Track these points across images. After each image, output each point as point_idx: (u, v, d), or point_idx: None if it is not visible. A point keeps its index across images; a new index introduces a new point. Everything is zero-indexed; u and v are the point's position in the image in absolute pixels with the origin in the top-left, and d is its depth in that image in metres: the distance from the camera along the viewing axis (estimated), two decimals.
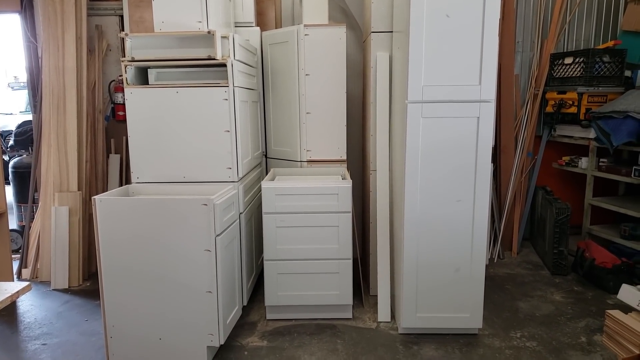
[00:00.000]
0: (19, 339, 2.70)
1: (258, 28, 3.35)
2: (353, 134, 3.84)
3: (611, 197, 3.94)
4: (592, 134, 3.64)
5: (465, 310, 2.59)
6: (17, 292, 1.55)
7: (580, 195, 3.99)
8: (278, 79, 3.30)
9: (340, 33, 3.07)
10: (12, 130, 4.41)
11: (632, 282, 2.88)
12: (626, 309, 2.52)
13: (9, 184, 4.09)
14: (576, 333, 2.69)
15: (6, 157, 4.56)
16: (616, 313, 2.49)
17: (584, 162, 3.84)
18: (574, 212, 3.71)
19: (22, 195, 3.93)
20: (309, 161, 3.21)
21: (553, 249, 3.53)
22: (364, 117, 3.43)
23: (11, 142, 4.32)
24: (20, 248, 3.83)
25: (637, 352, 2.29)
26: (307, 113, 3.15)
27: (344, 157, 3.22)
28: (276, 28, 3.64)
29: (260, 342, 2.61)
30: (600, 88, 3.68)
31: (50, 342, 2.65)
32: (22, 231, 3.79)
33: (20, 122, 4.42)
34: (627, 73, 3.76)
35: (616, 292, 2.65)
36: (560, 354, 2.47)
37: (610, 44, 3.83)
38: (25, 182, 3.87)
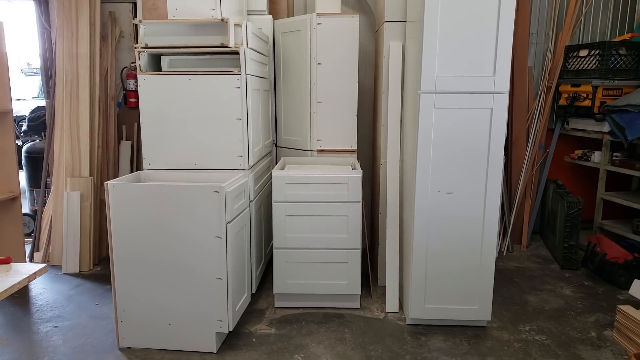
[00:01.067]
0: (31, 321, 2.74)
1: (270, 16, 3.34)
2: (364, 124, 3.83)
3: (624, 191, 3.89)
4: (606, 127, 3.60)
5: (473, 302, 2.59)
6: (34, 273, 1.57)
7: (592, 189, 3.95)
8: (290, 67, 3.29)
9: (353, 22, 3.05)
10: (25, 116, 4.45)
11: None
12: (637, 304, 2.50)
13: (22, 168, 4.13)
14: (586, 328, 2.67)
15: (19, 142, 4.61)
16: (627, 308, 2.48)
17: (596, 156, 3.80)
18: (586, 206, 3.68)
19: (35, 180, 3.97)
20: (319, 150, 3.21)
21: (563, 243, 3.51)
22: (375, 107, 3.41)
23: (24, 128, 4.36)
24: (32, 232, 3.88)
25: None
26: (318, 102, 3.14)
27: (354, 147, 3.21)
28: (288, 17, 3.62)
29: (268, 330, 2.63)
30: (616, 81, 3.62)
31: (61, 325, 2.69)
32: (35, 215, 3.84)
33: (33, 107, 4.46)
34: None
35: (627, 288, 2.64)
36: (569, 348, 2.47)
37: (626, 36, 3.76)
38: (38, 167, 3.91)
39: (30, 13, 3.84)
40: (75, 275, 3.38)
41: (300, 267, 2.79)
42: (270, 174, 2.91)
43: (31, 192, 4.06)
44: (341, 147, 3.21)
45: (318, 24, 3.03)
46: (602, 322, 2.73)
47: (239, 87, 2.56)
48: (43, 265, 1.64)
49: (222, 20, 2.48)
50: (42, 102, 4.05)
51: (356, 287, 2.80)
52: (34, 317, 2.79)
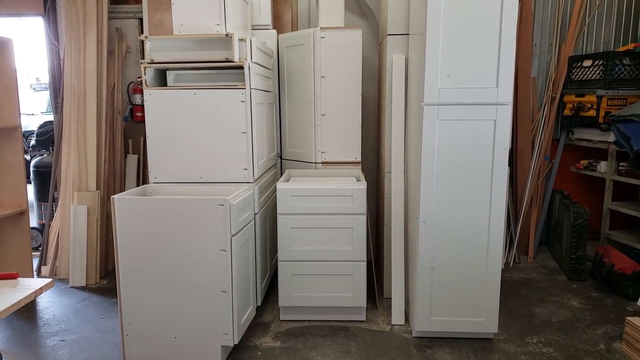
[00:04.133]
0: (37, 334, 2.76)
1: (275, 31, 3.38)
2: (368, 136, 3.84)
3: (631, 202, 3.86)
4: (611, 137, 3.59)
5: (480, 314, 2.57)
6: (41, 288, 1.59)
7: (598, 199, 3.93)
8: (294, 81, 3.32)
9: (356, 36, 3.08)
10: (33, 131, 4.51)
11: None
12: None
13: (30, 182, 4.18)
14: (594, 340, 2.64)
15: (28, 157, 4.66)
16: (636, 320, 2.44)
17: (602, 166, 3.78)
18: (592, 216, 3.65)
19: (43, 194, 4.01)
20: (323, 163, 3.22)
21: (570, 254, 3.48)
22: (379, 120, 3.43)
23: (33, 142, 4.42)
24: (40, 246, 3.91)
25: None
26: (322, 115, 3.16)
27: (359, 159, 3.23)
28: (292, 31, 3.67)
29: (273, 343, 2.62)
30: (620, 91, 3.62)
31: (68, 339, 2.70)
32: (42, 229, 3.88)
33: (41, 122, 4.52)
34: None
35: (636, 299, 2.61)
36: None
37: (630, 46, 3.77)
38: (45, 181, 3.95)
39: (39, 29, 3.91)
40: (81, 288, 3.40)
41: (305, 280, 2.79)
42: (275, 186, 2.92)
43: (39, 206, 4.10)
44: (345, 159, 3.22)
45: (322, 37, 3.07)
46: (611, 334, 2.70)
47: (243, 101, 2.59)
48: (49, 280, 1.66)
49: (227, 35, 2.51)
50: (51, 117, 4.10)
51: (362, 300, 2.80)
52: (40, 330, 2.80)
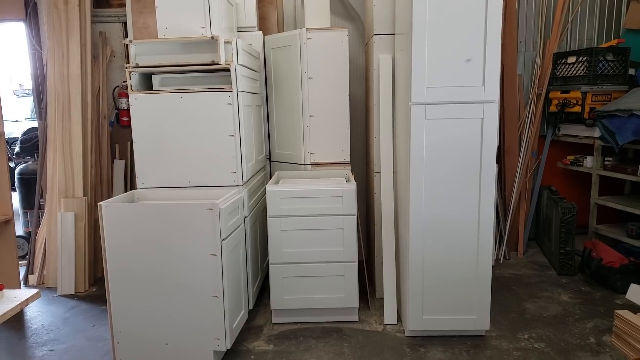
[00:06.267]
0: (26, 345, 2.71)
1: (261, 32, 3.36)
2: (356, 136, 3.84)
3: (617, 196, 3.92)
4: (596, 132, 3.63)
5: (472, 311, 2.58)
6: (27, 299, 1.56)
7: (585, 194, 3.97)
8: (281, 82, 3.31)
9: (342, 36, 3.08)
10: (17, 137, 4.44)
11: None
12: (635, 308, 2.50)
13: (15, 190, 4.11)
14: (585, 334, 2.67)
15: (12, 164, 4.59)
16: (625, 313, 2.47)
17: (589, 161, 3.82)
18: (580, 211, 3.69)
19: (28, 202, 3.95)
20: (312, 164, 3.21)
21: (559, 249, 3.51)
22: (367, 120, 3.43)
23: (17, 149, 4.35)
24: (26, 254, 3.85)
25: None
26: (311, 116, 3.15)
27: (348, 160, 3.22)
28: (279, 32, 3.65)
29: (266, 346, 2.61)
30: (604, 87, 3.66)
31: (57, 348, 2.66)
32: (29, 237, 3.81)
33: (25, 129, 4.45)
34: (631, 71, 3.74)
35: (624, 292, 2.64)
36: (569, 355, 2.46)
37: (613, 42, 3.82)
38: (31, 188, 3.89)
39: (21, 34, 3.85)
40: (70, 296, 3.35)
41: (297, 282, 2.78)
42: (265, 189, 2.91)
43: (25, 213, 4.03)
44: (335, 159, 3.22)
45: (308, 38, 3.06)
46: (601, 327, 2.73)
47: (230, 104, 2.57)
48: (36, 291, 1.63)
49: (212, 38, 2.49)
50: (35, 124, 4.04)
51: (354, 300, 2.79)
52: (29, 341, 2.76)
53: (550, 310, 2.97)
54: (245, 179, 2.73)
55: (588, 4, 4.10)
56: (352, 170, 3.44)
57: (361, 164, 3.90)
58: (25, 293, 1.62)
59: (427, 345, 2.58)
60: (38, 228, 3.72)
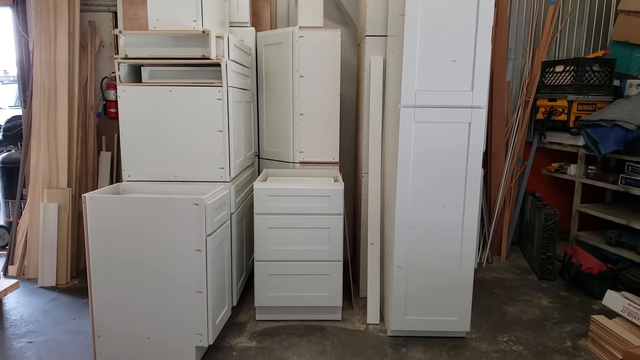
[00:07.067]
0: (4, 336, 2.67)
1: (253, 28, 3.35)
2: (346, 136, 3.85)
3: (598, 204, 3.99)
4: (581, 141, 3.70)
5: (453, 313, 2.61)
6: (5, 289, 1.53)
7: (568, 201, 4.04)
8: (272, 79, 3.30)
9: (335, 36, 3.08)
10: (0, 125, 4.35)
11: (617, 289, 2.93)
12: (611, 314, 2.56)
13: None
14: (562, 337, 2.72)
15: None
16: (601, 318, 2.53)
17: (572, 169, 3.89)
18: (562, 218, 3.76)
19: (10, 191, 3.88)
20: (301, 162, 3.22)
21: (541, 254, 3.57)
22: (357, 120, 3.44)
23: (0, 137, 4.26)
24: (7, 244, 3.78)
25: (621, 357, 2.33)
26: (301, 114, 3.15)
27: (337, 160, 3.23)
28: (271, 29, 3.64)
29: (249, 343, 2.61)
30: (590, 96, 3.73)
31: (36, 340, 2.62)
32: (10, 227, 3.75)
33: (9, 117, 4.36)
34: (616, 82, 3.81)
35: (601, 298, 2.69)
36: (545, 358, 2.50)
37: (600, 53, 3.89)
38: (13, 178, 3.82)
39: (7, 20, 3.77)
40: (51, 288, 3.30)
41: (281, 280, 2.78)
42: (252, 186, 2.90)
43: (6, 203, 3.96)
44: (324, 159, 3.22)
45: (300, 36, 3.06)
46: (577, 331, 2.79)
47: (220, 99, 2.56)
48: (15, 281, 1.61)
49: (204, 32, 2.48)
50: (19, 111, 3.97)
51: (338, 299, 2.80)
52: (7, 332, 2.71)
53: (529, 313, 3.02)
54: (232, 175, 2.72)
55: (577, 15, 4.17)
56: (340, 170, 3.45)
57: (350, 164, 3.91)
58: (3, 283, 1.59)
59: (408, 345, 2.61)
60: (20, 218, 3.66)
